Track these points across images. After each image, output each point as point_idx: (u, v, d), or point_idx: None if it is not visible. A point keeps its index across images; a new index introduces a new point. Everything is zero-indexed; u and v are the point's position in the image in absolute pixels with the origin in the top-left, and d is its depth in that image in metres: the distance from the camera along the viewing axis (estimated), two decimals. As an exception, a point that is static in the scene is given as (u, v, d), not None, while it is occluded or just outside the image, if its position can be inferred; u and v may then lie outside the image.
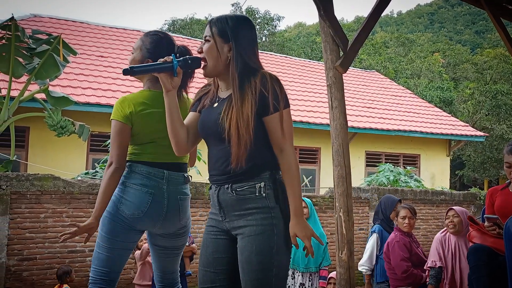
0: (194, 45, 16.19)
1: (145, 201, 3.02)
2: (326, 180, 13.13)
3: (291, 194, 2.47)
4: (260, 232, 2.43)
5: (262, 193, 2.46)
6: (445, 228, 5.18)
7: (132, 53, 3.26)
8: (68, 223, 6.52)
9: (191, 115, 2.68)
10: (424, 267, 5.17)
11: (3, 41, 7.54)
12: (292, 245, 2.52)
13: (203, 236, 2.64)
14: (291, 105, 2.59)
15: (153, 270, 3.42)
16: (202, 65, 2.55)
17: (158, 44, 3.19)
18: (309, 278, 5.74)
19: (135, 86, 11.93)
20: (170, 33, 20.12)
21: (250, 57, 2.52)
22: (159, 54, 2.96)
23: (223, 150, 2.47)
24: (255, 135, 2.43)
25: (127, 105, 3.07)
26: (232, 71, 2.48)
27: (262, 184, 2.46)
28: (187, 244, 5.84)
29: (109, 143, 8.42)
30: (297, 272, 5.83)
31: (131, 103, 3.08)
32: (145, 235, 3.48)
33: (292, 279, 5.84)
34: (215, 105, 2.56)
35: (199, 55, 2.56)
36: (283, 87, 2.50)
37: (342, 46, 4.38)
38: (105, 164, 8.47)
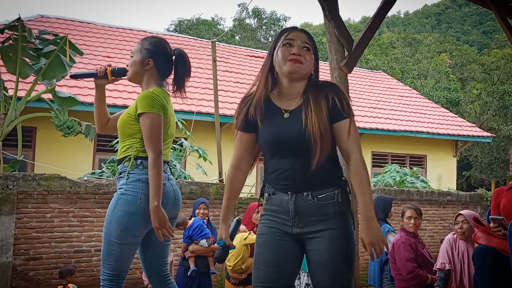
0: (200, 45, 16.22)
1: (166, 194, 3.18)
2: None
3: (361, 197, 2.53)
4: (341, 235, 2.56)
5: (339, 199, 2.59)
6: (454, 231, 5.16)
7: (132, 56, 3.37)
8: (75, 223, 6.59)
9: (245, 136, 2.74)
10: (433, 269, 5.16)
11: (10, 41, 7.58)
12: None
13: (262, 236, 2.68)
14: None
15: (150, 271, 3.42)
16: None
17: (156, 45, 3.36)
18: None
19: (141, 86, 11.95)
20: (176, 34, 20.10)
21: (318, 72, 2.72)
22: (158, 53, 3.31)
23: (301, 159, 2.56)
24: (331, 142, 2.58)
25: (161, 98, 3.21)
26: (314, 80, 2.67)
27: (339, 190, 2.60)
28: (207, 245, 5.86)
29: (115, 143, 8.47)
30: (302, 273, 5.82)
31: (163, 98, 3.23)
32: None
33: (298, 279, 5.82)
34: (286, 116, 2.61)
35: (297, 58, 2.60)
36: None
37: (347, 46, 4.38)
38: (111, 164, 8.50)
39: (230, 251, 2.86)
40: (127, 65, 3.41)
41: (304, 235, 2.60)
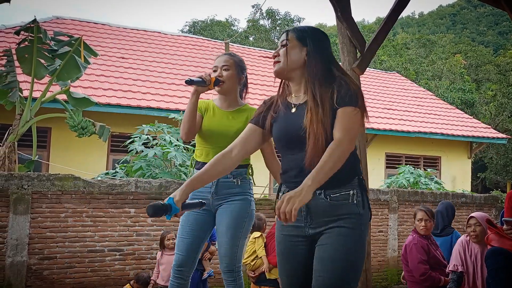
0: (214, 46, 16.27)
1: None
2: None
3: (321, 164, 2.39)
4: (350, 234, 2.50)
5: (354, 200, 2.53)
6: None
7: (228, 70, 3.73)
8: (88, 222, 6.64)
9: (250, 126, 2.77)
10: (446, 270, 5.13)
11: (26, 43, 7.65)
12: None
13: (279, 245, 2.70)
14: None
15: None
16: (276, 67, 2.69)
17: (245, 65, 3.93)
18: None
19: (155, 88, 12.03)
20: (190, 35, 20.13)
21: (327, 61, 2.64)
22: (245, 73, 3.89)
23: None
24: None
25: None
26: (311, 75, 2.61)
27: (355, 191, 2.53)
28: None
29: (129, 143, 8.53)
30: None
31: None
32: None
33: None
34: (293, 110, 2.63)
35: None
36: (360, 89, 2.59)
37: (359, 47, 4.37)
38: (125, 164, 8.55)
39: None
40: (220, 76, 3.72)
41: (317, 235, 2.56)
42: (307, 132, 2.48)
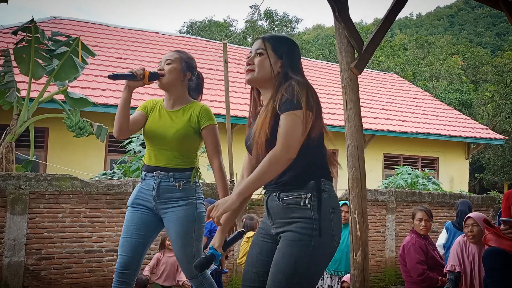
0: (212, 47, 16.26)
1: None
2: (345, 182, 13.09)
3: (250, 176, 2.48)
4: (297, 239, 2.46)
5: (307, 204, 2.49)
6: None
7: (170, 63, 3.54)
8: (86, 223, 6.63)
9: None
10: (444, 271, 5.12)
11: (24, 43, 7.64)
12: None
13: (255, 236, 2.76)
14: None
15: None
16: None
17: (194, 62, 3.71)
18: (338, 281, 5.68)
19: (153, 88, 12.01)
20: (188, 35, 20.10)
21: (293, 69, 2.64)
22: (194, 70, 3.69)
23: None
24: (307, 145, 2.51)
25: None
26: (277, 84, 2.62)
27: (309, 195, 2.50)
28: None
29: (127, 143, 8.52)
30: (326, 274, 5.80)
31: None
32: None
33: (321, 280, 5.80)
34: (258, 118, 2.65)
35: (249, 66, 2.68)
36: (308, 91, 2.51)
37: (357, 47, 4.37)
38: (122, 165, 8.55)
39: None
40: (160, 70, 3.53)
41: (279, 235, 2.58)
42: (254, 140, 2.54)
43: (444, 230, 7.03)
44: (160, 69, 3.52)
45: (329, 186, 2.58)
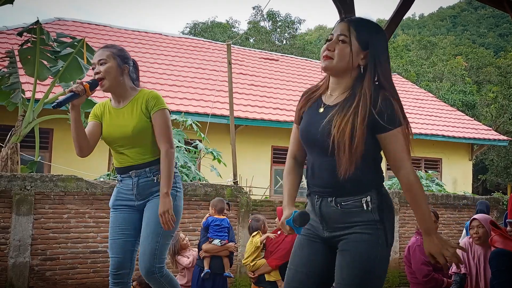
0: (214, 48, 16.27)
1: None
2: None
3: (418, 213, 2.40)
4: (366, 240, 2.39)
5: (368, 207, 2.41)
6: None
7: (103, 64, 3.41)
8: (91, 223, 6.65)
9: (296, 129, 2.63)
10: (449, 272, 5.12)
11: (29, 44, 7.67)
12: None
13: (299, 237, 2.60)
14: None
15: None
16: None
17: (125, 52, 3.59)
18: None
19: (156, 89, 12.04)
20: (191, 36, 20.11)
21: (384, 72, 2.43)
22: (129, 60, 3.56)
23: (328, 161, 2.40)
24: (366, 151, 2.36)
25: None
26: (367, 81, 2.39)
27: (368, 198, 2.41)
28: (220, 245, 5.82)
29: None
30: None
31: None
32: None
33: None
34: (321, 110, 2.48)
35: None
36: (401, 106, 2.41)
37: (363, 49, 4.38)
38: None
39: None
40: (97, 73, 3.40)
41: (333, 239, 2.49)
42: (336, 142, 2.34)
43: (464, 231, 7.11)
44: (96, 72, 3.39)
45: (384, 188, 2.53)
